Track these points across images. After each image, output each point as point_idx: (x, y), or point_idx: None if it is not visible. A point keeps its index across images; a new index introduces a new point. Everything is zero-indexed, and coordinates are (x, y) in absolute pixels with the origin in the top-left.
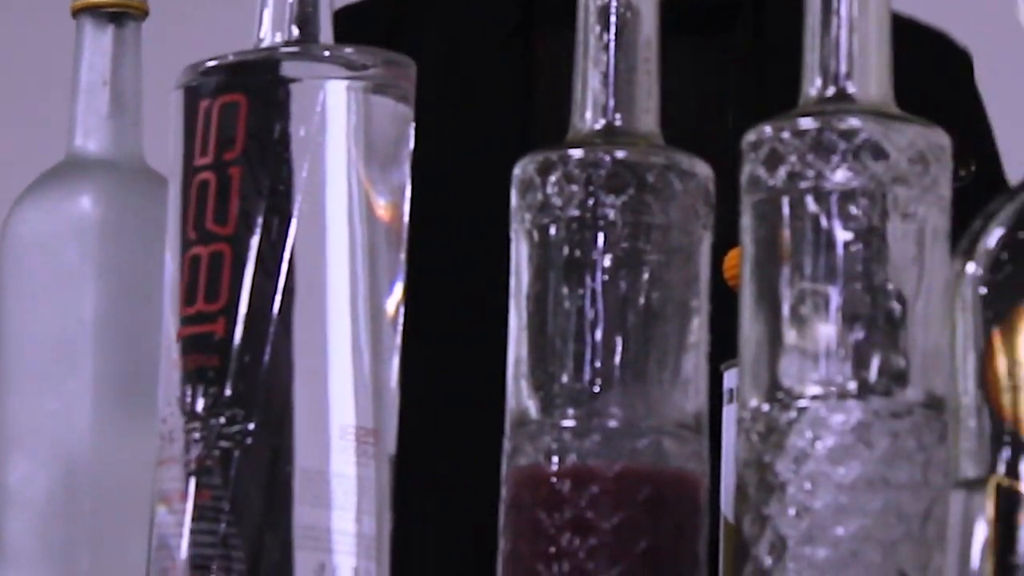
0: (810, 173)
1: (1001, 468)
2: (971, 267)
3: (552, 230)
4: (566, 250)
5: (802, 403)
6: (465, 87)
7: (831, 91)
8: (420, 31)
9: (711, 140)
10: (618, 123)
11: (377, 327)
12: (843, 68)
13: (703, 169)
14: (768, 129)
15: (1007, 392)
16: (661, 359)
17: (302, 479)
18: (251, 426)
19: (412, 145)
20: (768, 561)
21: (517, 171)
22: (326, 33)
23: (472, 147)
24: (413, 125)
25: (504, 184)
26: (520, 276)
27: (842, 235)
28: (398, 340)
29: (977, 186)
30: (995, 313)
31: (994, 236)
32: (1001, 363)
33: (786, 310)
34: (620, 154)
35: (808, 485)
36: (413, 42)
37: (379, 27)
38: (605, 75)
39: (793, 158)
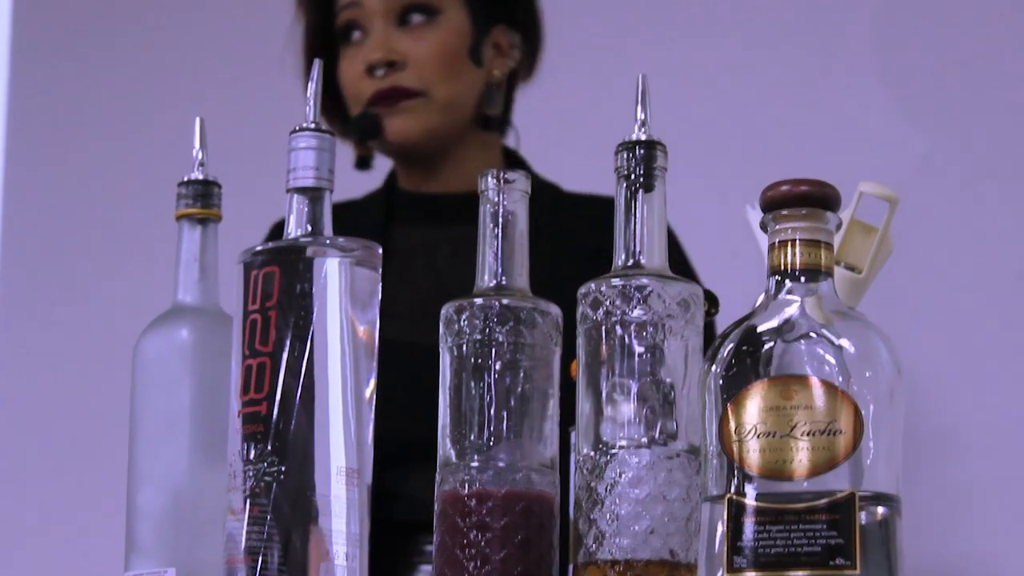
0: (618, 311)
1: (732, 489)
2: (715, 367)
3: (464, 347)
4: (472, 359)
5: (613, 451)
6: None
7: (630, 262)
8: None
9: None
10: (503, 282)
11: (359, 406)
12: (637, 248)
13: (555, 309)
14: (592, 285)
15: (735, 443)
16: (531, 425)
17: (318, 500)
18: (284, 468)
19: (380, 294)
20: (593, 547)
21: (443, 311)
22: (328, 227)
23: None
24: (380, 283)
25: None
26: (445, 374)
27: (637, 348)
28: (372, 414)
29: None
30: (728, 395)
31: (728, 348)
32: (731, 426)
33: (604, 394)
34: (505, 301)
35: (617, 500)
36: None
37: None
38: (496, 253)
39: (608, 302)
